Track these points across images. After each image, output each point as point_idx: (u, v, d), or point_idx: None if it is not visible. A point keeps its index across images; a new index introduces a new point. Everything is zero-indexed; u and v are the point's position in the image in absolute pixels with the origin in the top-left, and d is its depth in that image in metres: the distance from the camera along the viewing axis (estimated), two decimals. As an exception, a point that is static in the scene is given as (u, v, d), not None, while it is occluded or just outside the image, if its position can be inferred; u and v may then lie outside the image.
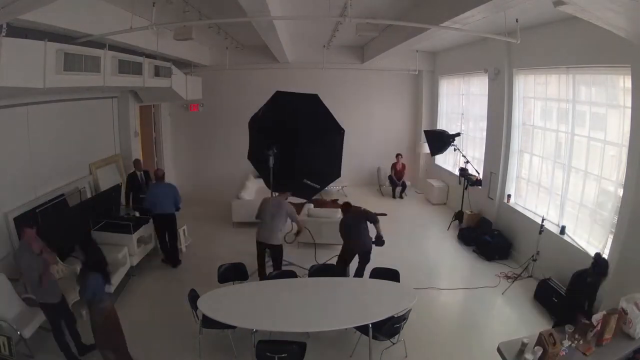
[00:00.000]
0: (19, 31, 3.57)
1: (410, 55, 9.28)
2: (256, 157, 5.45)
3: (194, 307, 3.86)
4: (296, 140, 5.11)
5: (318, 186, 5.36)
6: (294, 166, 5.15)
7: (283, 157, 5.09)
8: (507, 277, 5.52)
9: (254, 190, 8.17)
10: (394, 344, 3.91)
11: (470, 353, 4.13)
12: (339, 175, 5.53)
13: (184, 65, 8.48)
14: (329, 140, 5.25)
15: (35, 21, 3.51)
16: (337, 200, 7.73)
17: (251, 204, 6.82)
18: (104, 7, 4.56)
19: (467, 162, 7.40)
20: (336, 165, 5.38)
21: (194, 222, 7.21)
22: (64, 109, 5.79)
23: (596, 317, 3.31)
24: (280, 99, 5.40)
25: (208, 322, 3.78)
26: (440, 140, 7.47)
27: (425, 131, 8.12)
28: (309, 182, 5.22)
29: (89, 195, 6.14)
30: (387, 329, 3.69)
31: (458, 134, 7.48)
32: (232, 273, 4.57)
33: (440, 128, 7.95)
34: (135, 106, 7.84)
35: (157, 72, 6.15)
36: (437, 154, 7.87)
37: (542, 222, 5.19)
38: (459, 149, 7.51)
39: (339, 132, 5.27)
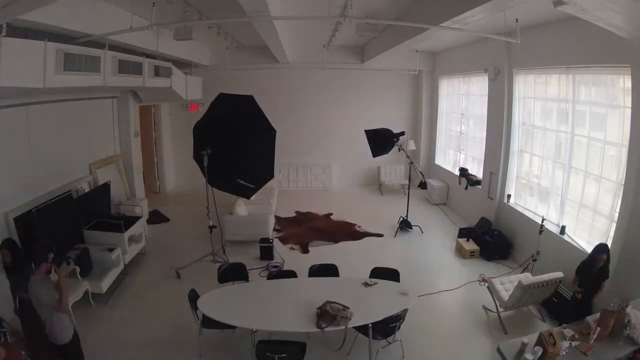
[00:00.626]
0: (19, 31, 3.57)
1: (410, 55, 9.28)
2: (197, 157, 5.49)
3: (194, 307, 3.86)
4: (230, 141, 5.22)
5: (253, 186, 5.43)
6: (227, 166, 5.31)
7: (218, 157, 5.25)
8: (484, 280, 5.34)
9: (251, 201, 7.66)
10: (390, 343, 3.92)
11: (470, 353, 4.14)
12: (272, 176, 5.66)
13: (184, 65, 8.48)
14: (261, 140, 5.36)
15: (35, 21, 3.50)
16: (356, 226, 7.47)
17: (245, 220, 6.77)
18: (104, 7, 4.56)
19: (411, 162, 7.27)
20: (269, 165, 5.50)
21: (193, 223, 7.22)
22: (64, 109, 5.79)
23: (593, 318, 3.33)
24: (219, 100, 5.45)
25: (208, 322, 3.78)
26: (383, 140, 7.12)
27: (365, 131, 7.42)
28: (242, 181, 5.31)
29: (89, 196, 6.15)
30: (383, 328, 3.69)
31: (402, 133, 7.24)
32: (233, 273, 4.58)
33: (383, 127, 7.34)
34: (135, 106, 7.84)
35: (157, 72, 6.16)
36: (378, 154, 7.32)
37: (542, 222, 5.19)
38: (403, 149, 7.22)
39: (270, 132, 5.35)
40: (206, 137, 5.33)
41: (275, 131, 5.41)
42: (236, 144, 5.21)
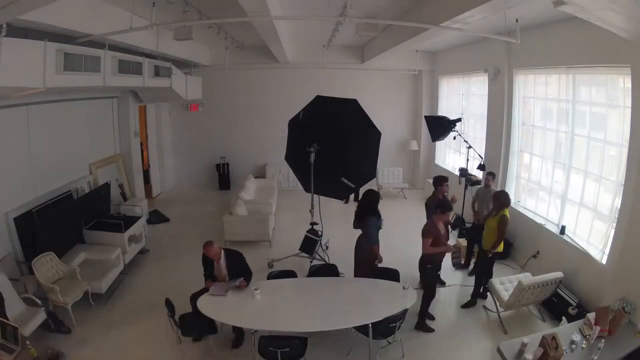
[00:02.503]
0: (19, 31, 3.57)
1: (410, 55, 9.28)
2: (293, 156, 5.61)
3: (172, 314, 3.79)
4: (336, 141, 5.34)
5: (354, 185, 5.52)
6: (333, 165, 5.38)
7: (322, 156, 5.35)
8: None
9: (250, 198, 7.74)
10: (390, 343, 3.92)
11: (470, 353, 4.14)
12: (374, 176, 5.72)
13: (184, 65, 8.48)
14: (367, 141, 5.45)
15: (35, 21, 3.51)
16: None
17: (245, 220, 6.72)
18: (104, 7, 4.56)
19: (470, 147, 7.03)
20: (372, 166, 5.59)
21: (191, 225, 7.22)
22: (63, 109, 5.80)
23: (592, 316, 3.35)
24: (320, 102, 5.65)
25: (187, 330, 3.79)
26: (441, 126, 7.12)
27: (425, 117, 7.76)
28: (346, 181, 5.38)
29: (89, 196, 6.15)
30: (383, 328, 3.70)
31: (459, 119, 7.12)
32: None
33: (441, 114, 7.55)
34: (136, 106, 7.85)
35: (157, 72, 6.16)
36: (438, 139, 7.52)
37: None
38: (460, 135, 7.13)
39: (376, 134, 5.46)
40: (308, 136, 5.45)
41: (380, 133, 5.52)
42: (341, 144, 5.31)
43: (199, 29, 5.84)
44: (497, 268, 5.85)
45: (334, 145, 5.35)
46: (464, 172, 8.09)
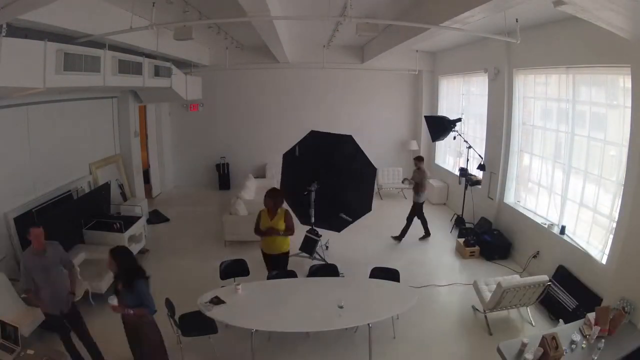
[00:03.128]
0: (19, 31, 3.57)
1: (410, 55, 9.28)
2: (290, 189, 5.77)
3: (172, 314, 3.80)
4: (333, 178, 5.63)
5: (351, 219, 5.75)
6: (331, 201, 5.67)
7: (320, 192, 5.62)
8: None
9: (251, 198, 7.72)
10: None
11: (470, 352, 4.14)
12: (369, 209, 5.91)
13: (184, 65, 8.48)
14: (363, 177, 5.77)
15: (35, 21, 3.50)
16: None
17: (246, 220, 6.63)
18: (104, 7, 4.56)
19: (469, 147, 7.19)
20: (368, 199, 5.87)
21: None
22: (63, 109, 5.80)
23: (592, 316, 3.35)
24: (315, 137, 5.92)
25: (188, 330, 3.78)
26: (441, 126, 7.29)
27: (425, 117, 7.90)
28: (344, 215, 5.68)
29: (89, 196, 6.15)
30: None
31: (459, 119, 7.26)
32: (234, 269, 4.60)
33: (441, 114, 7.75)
34: (136, 106, 7.85)
35: (157, 72, 6.16)
36: (437, 139, 7.68)
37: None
38: (460, 135, 7.26)
39: (371, 169, 5.80)
40: (306, 173, 5.72)
41: (376, 169, 5.91)
42: (339, 180, 5.63)
43: (199, 29, 5.84)
44: (496, 268, 5.89)
45: (331, 182, 5.64)
46: (464, 172, 8.10)
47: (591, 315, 3.38)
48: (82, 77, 4.24)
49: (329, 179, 5.66)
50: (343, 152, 5.82)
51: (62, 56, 3.81)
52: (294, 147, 6.05)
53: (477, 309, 4.76)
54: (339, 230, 6.00)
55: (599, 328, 3.23)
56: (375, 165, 5.91)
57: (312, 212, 5.69)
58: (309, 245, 5.68)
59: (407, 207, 7.37)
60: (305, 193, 5.61)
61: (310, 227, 5.83)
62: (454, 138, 7.34)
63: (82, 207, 5.69)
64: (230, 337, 4.12)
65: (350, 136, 5.80)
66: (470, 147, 7.14)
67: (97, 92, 6.59)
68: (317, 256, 5.89)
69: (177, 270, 5.85)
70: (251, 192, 8.10)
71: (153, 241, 6.72)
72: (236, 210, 6.70)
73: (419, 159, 7.01)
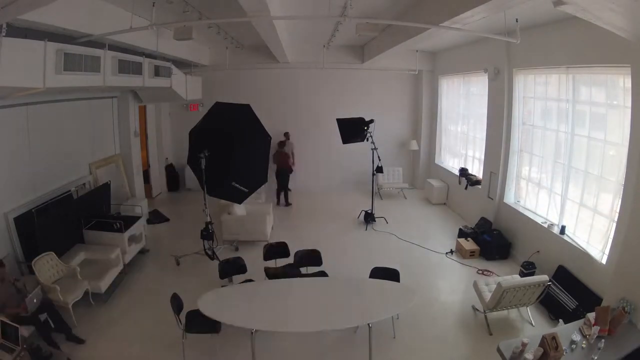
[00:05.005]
0: (19, 31, 3.57)
1: (410, 55, 9.28)
2: (192, 161, 5.68)
3: (177, 311, 3.85)
4: (226, 146, 5.35)
5: (246, 190, 5.53)
6: (223, 169, 5.43)
7: (215, 161, 5.42)
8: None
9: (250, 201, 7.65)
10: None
11: (470, 352, 4.14)
12: (265, 180, 5.80)
13: (184, 65, 8.48)
14: (256, 146, 5.51)
15: (35, 21, 3.50)
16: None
17: (243, 220, 6.70)
18: (104, 7, 4.56)
19: (375, 148, 7.44)
20: (263, 170, 5.71)
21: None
22: (63, 109, 5.79)
23: (591, 316, 3.35)
24: (216, 108, 5.69)
25: (192, 326, 3.82)
26: (354, 127, 7.41)
27: (337, 120, 7.75)
28: (237, 185, 5.44)
29: (89, 196, 6.15)
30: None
31: (371, 121, 7.42)
32: (231, 268, 4.69)
33: (358, 116, 7.67)
34: (136, 106, 7.85)
35: (157, 72, 6.16)
36: (349, 142, 7.66)
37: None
38: (371, 136, 7.39)
39: (265, 139, 5.57)
40: (203, 142, 5.49)
41: (270, 137, 5.61)
42: (233, 148, 5.34)
43: (199, 29, 5.84)
44: (496, 268, 5.89)
45: (223, 150, 5.39)
46: (464, 172, 8.12)
47: (591, 315, 3.38)
48: (82, 77, 4.25)
49: (221, 148, 5.40)
50: (237, 121, 5.55)
51: (62, 56, 3.82)
52: (200, 121, 5.81)
53: (477, 309, 4.76)
54: (239, 202, 5.93)
55: (599, 328, 3.23)
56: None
57: (204, 179, 5.52)
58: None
59: (407, 206, 7.41)
60: (197, 161, 5.46)
61: (205, 225, 5.93)
62: (367, 139, 7.43)
63: (82, 207, 5.69)
64: (232, 336, 4.12)
65: (247, 105, 5.58)
66: (375, 148, 7.40)
67: (97, 92, 6.59)
68: (209, 251, 6.06)
69: (177, 270, 5.86)
70: (242, 207, 8.06)
71: (153, 241, 6.72)
72: (234, 210, 6.70)
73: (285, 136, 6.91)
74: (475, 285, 4.69)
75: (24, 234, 4.74)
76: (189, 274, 5.70)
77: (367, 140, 7.44)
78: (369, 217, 7.71)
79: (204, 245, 6.08)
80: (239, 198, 5.71)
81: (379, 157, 7.46)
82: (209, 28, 6.20)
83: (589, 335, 3.25)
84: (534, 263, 5.33)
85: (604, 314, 3.28)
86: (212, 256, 6.00)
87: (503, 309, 4.46)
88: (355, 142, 7.65)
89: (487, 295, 4.44)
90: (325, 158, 10.31)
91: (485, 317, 4.46)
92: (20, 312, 3.76)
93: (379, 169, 7.34)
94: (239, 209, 6.82)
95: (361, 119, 7.51)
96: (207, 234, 5.89)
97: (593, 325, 3.26)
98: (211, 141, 5.46)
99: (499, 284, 4.13)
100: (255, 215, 6.86)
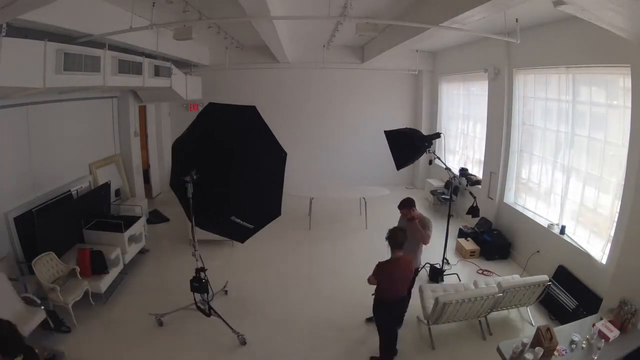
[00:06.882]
0: (19, 31, 3.57)
1: (410, 55, 9.28)
2: (176, 185, 3.96)
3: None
4: (224, 165, 3.76)
5: (251, 226, 4.02)
6: (219, 198, 3.84)
7: (207, 185, 3.76)
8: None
9: None
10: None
11: (470, 352, 4.13)
12: (279, 214, 4.10)
13: (184, 65, 8.48)
14: (267, 166, 3.92)
15: (35, 21, 3.50)
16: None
17: None
18: (104, 7, 4.56)
19: (447, 168, 5.49)
20: (275, 198, 4.03)
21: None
22: (63, 109, 5.79)
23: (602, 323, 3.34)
24: (209, 111, 3.96)
25: None
26: (411, 146, 5.17)
27: (385, 132, 5.38)
28: (239, 220, 3.89)
29: (89, 195, 6.15)
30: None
31: (437, 135, 5.42)
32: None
33: (411, 127, 5.74)
34: (136, 106, 7.85)
35: (157, 72, 6.16)
36: (403, 166, 5.39)
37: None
38: (439, 158, 5.36)
39: (279, 155, 3.89)
40: (190, 159, 3.83)
41: (285, 153, 3.92)
42: (232, 168, 3.76)
43: (199, 29, 5.84)
44: (496, 268, 5.88)
45: (219, 171, 3.76)
46: (464, 172, 8.12)
47: (599, 323, 3.34)
48: (82, 77, 4.25)
49: (218, 167, 3.76)
50: (242, 130, 3.87)
51: (62, 56, 3.82)
52: (187, 128, 4.18)
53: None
54: (241, 241, 4.42)
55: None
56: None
57: (191, 210, 3.84)
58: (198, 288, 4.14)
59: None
60: (178, 185, 3.82)
61: (196, 274, 4.19)
62: (430, 163, 5.54)
63: (82, 207, 5.69)
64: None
65: (253, 107, 3.86)
66: (447, 168, 5.46)
67: (97, 92, 6.59)
68: (200, 304, 4.29)
69: (177, 270, 5.85)
70: None
71: (153, 241, 6.72)
72: None
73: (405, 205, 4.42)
74: (475, 285, 4.63)
75: (24, 234, 4.74)
76: (189, 273, 5.66)
77: (430, 163, 5.56)
78: (437, 274, 5.53)
79: (194, 299, 4.31)
80: (241, 236, 4.23)
81: (472, 194, 5.36)
82: (209, 28, 6.19)
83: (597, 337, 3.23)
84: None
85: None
86: (209, 312, 4.32)
87: (503, 309, 4.42)
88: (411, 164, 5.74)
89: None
90: (324, 159, 10.31)
91: (486, 317, 4.35)
92: None
93: (475, 212, 4.83)
94: None
95: (416, 132, 5.47)
96: (198, 285, 4.14)
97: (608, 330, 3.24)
98: (202, 158, 3.78)
99: (499, 284, 4.12)
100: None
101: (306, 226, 7.57)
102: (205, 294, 4.20)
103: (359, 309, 4.61)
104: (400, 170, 5.43)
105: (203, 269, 4.15)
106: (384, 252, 3.61)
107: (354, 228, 7.63)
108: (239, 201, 3.86)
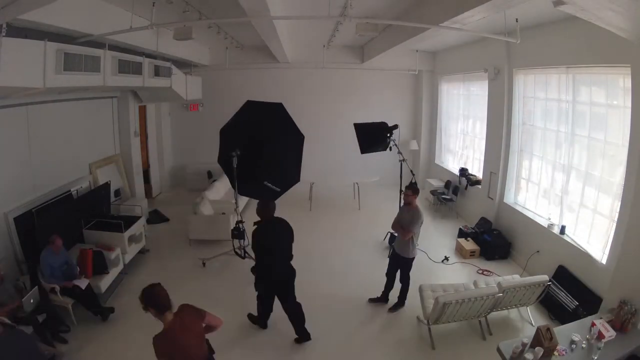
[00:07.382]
0: (19, 31, 3.57)
1: (410, 55, 9.28)
2: (223, 160, 5.58)
3: None
4: (258, 144, 5.28)
5: (279, 189, 5.34)
6: (255, 169, 5.31)
7: (246, 160, 5.32)
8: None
9: (217, 198, 7.72)
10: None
11: (470, 352, 4.13)
12: (298, 180, 5.52)
13: (184, 65, 8.48)
14: (289, 144, 5.39)
15: (35, 21, 3.51)
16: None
17: (208, 220, 6.63)
18: (104, 7, 4.56)
19: (404, 159, 6.38)
20: (296, 169, 5.49)
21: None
22: (63, 109, 5.79)
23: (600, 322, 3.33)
24: (248, 107, 5.56)
25: None
26: (374, 133, 6.44)
27: (355, 124, 6.71)
28: (269, 184, 5.27)
29: (89, 195, 6.15)
30: None
31: (395, 126, 6.46)
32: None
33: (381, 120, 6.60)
34: (136, 106, 7.85)
35: (157, 72, 6.16)
36: (368, 151, 6.61)
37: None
38: (396, 145, 6.31)
39: (298, 137, 5.39)
40: (234, 141, 5.43)
41: (303, 136, 5.38)
42: (265, 147, 5.28)
43: (199, 29, 5.84)
44: (496, 268, 5.88)
45: (255, 149, 5.29)
46: (464, 172, 8.12)
47: (598, 322, 3.34)
48: (82, 77, 4.25)
49: (256, 146, 5.29)
50: (269, 120, 5.44)
51: (62, 56, 3.82)
52: (231, 119, 5.64)
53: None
54: (273, 200, 5.49)
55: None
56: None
57: (235, 178, 5.36)
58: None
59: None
60: (229, 160, 5.31)
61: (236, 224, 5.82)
62: (389, 149, 6.38)
63: (82, 207, 5.69)
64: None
65: (280, 104, 5.42)
66: (403, 159, 6.35)
67: (97, 92, 6.59)
68: (237, 249, 5.97)
69: (177, 270, 5.85)
70: (220, 192, 8.04)
71: (153, 241, 6.72)
72: (200, 210, 6.64)
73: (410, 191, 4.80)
74: (475, 285, 4.63)
75: (24, 234, 4.74)
76: (189, 273, 5.69)
77: (390, 149, 6.40)
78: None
79: (233, 245, 6.01)
80: (273, 196, 5.36)
81: (411, 171, 6.43)
82: (209, 28, 6.20)
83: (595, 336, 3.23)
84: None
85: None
86: (243, 255, 5.95)
87: (503, 309, 4.42)
88: (375, 152, 6.67)
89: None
90: (324, 159, 10.30)
91: (486, 317, 4.35)
92: (16, 309, 3.73)
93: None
94: (206, 209, 6.78)
95: (383, 124, 6.53)
96: (237, 233, 5.79)
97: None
98: (242, 140, 5.39)
99: (498, 284, 4.12)
100: (221, 215, 6.72)
101: (307, 208, 8.59)
102: (242, 240, 5.84)
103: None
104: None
105: (241, 221, 5.81)
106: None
107: (349, 209, 8.69)
108: (269, 171, 5.29)
